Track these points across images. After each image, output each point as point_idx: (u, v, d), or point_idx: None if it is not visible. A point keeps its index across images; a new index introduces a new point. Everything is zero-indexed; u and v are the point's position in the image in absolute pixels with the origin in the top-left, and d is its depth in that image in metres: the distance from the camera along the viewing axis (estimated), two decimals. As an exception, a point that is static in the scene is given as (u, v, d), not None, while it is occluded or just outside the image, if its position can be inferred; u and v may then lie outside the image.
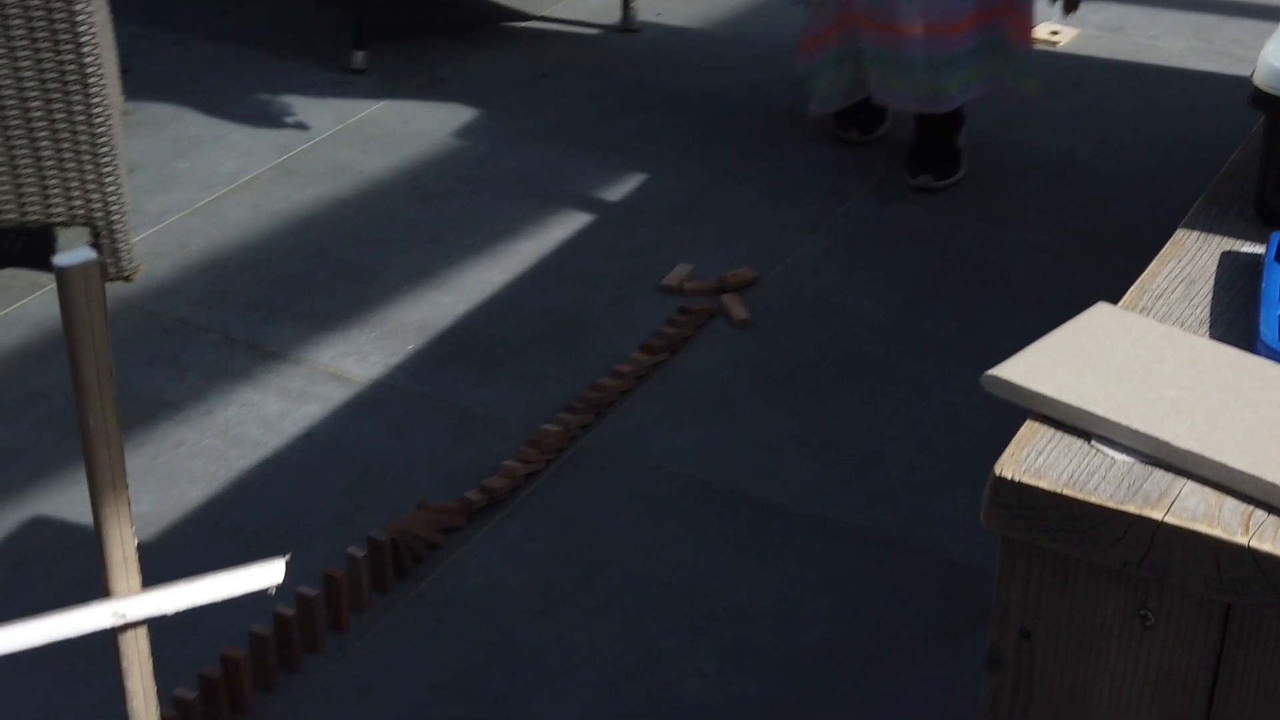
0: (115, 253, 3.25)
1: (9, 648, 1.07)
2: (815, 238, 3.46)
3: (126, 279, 3.28)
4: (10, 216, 3.15)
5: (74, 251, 0.92)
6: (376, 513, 2.66)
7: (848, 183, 3.66)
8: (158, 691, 2.10)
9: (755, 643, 2.42)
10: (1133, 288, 1.31)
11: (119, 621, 1.07)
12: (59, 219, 3.18)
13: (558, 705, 2.31)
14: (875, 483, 2.74)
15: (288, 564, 1.33)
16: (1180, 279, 1.32)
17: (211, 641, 2.36)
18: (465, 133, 3.88)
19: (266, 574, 1.13)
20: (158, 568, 2.11)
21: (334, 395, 2.96)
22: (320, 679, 2.35)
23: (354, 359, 3.06)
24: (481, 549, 2.61)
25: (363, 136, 3.87)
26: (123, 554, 1.05)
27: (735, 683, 2.36)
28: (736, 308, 3.19)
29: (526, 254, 3.39)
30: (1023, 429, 1.13)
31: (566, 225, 3.50)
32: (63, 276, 0.93)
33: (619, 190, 3.65)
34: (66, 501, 2.66)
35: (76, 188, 3.15)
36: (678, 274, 3.29)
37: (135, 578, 1.08)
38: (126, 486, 1.03)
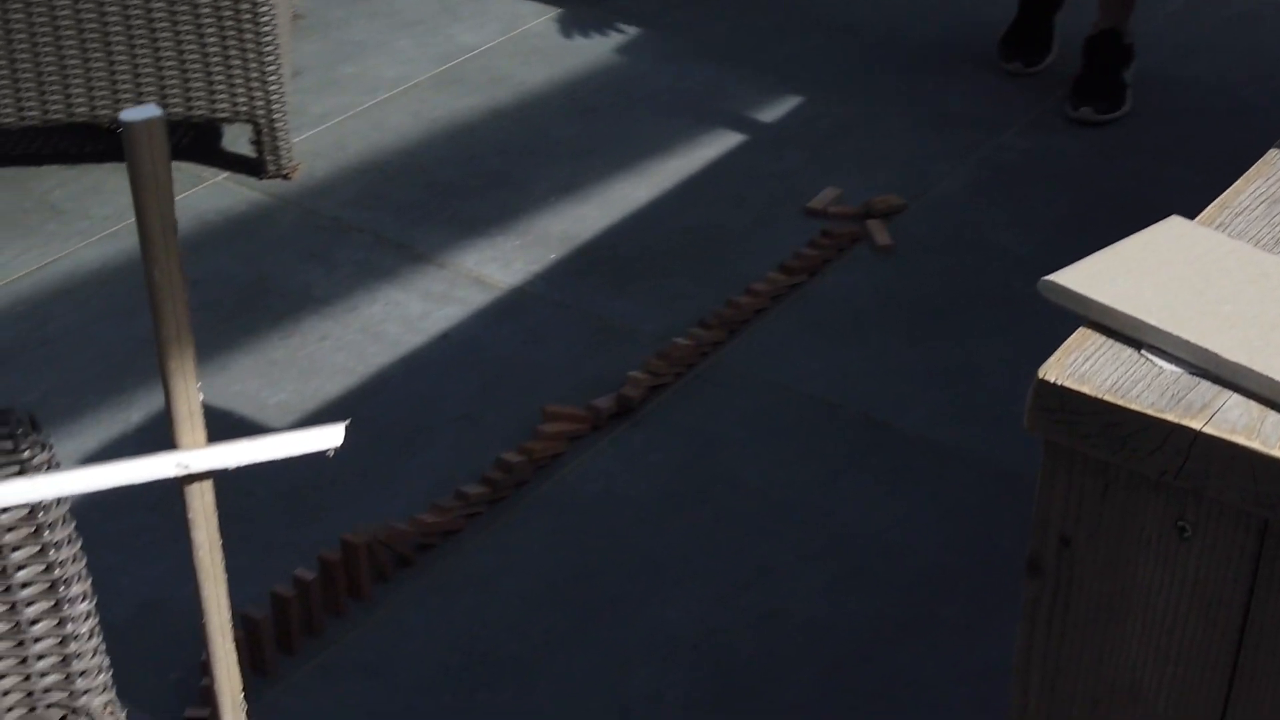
0: (275, 151, 3.34)
1: (82, 489, 1.13)
2: (967, 169, 3.42)
3: (285, 177, 3.37)
4: (177, 111, 3.25)
5: (140, 108, 0.96)
6: (506, 414, 2.72)
7: (1005, 115, 3.61)
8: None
9: (866, 564, 2.43)
10: (1213, 204, 1.29)
11: (182, 472, 1.12)
12: (223, 115, 3.28)
13: (667, 612, 2.35)
14: (1001, 416, 2.72)
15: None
16: (1264, 198, 1.29)
17: (340, 526, 2.45)
18: (625, 49, 3.90)
19: (327, 436, 1.17)
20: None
21: (474, 299, 3.02)
22: (438, 571, 2.42)
23: (497, 265, 3.12)
24: (604, 457, 2.64)
25: (525, 49, 3.91)
26: (188, 407, 1.10)
27: (843, 602, 2.37)
28: (880, 234, 3.17)
29: (673, 171, 3.41)
30: (1073, 335, 1.13)
31: (716, 145, 3.51)
32: (129, 131, 0.97)
33: (772, 112, 3.64)
34: (209, 386, 2.76)
35: (241, 86, 3.24)
36: (823, 197, 3.28)
37: (200, 432, 1.13)
38: (192, 340, 1.08)
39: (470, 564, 2.43)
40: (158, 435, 2.55)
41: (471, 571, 2.42)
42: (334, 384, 2.81)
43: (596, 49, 3.91)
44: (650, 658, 2.28)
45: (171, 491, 2.42)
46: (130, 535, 2.47)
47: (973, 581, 2.39)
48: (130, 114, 0.96)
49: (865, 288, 3.05)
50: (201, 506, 1.14)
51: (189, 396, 1.10)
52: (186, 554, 2.36)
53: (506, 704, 2.21)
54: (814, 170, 3.41)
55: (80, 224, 3.23)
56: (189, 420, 1.09)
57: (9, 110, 3.20)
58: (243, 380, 2.81)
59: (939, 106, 3.65)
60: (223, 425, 2.64)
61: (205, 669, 2.19)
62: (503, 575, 2.42)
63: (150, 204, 1.00)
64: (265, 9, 3.19)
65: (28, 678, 1.45)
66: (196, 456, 1.11)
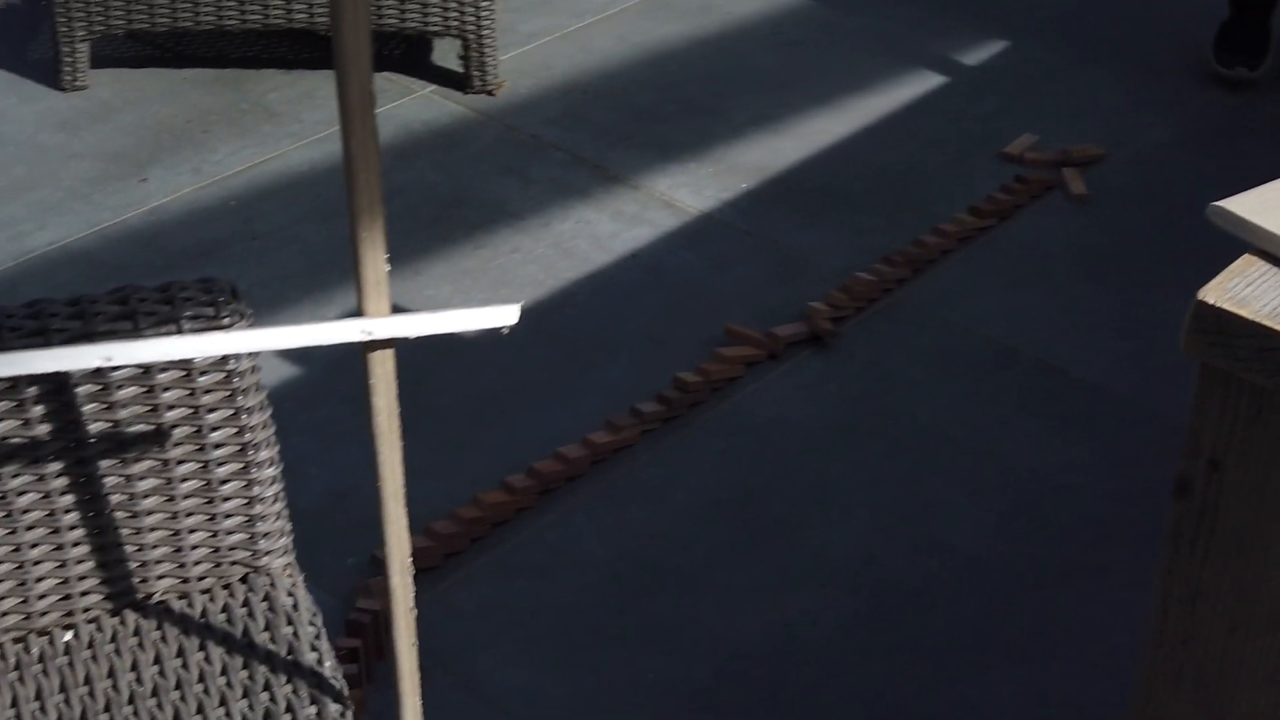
0: (482, 67, 3.42)
1: (273, 346, 1.21)
2: (1171, 122, 3.36)
3: (490, 93, 3.45)
4: (391, 23, 3.35)
5: None
6: (686, 336, 2.77)
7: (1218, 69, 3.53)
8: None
9: (1033, 507, 2.44)
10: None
11: (366, 337, 1.19)
12: (434, 29, 3.37)
13: (830, 537, 2.38)
14: (1183, 370, 2.68)
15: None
16: None
17: (521, 433, 2.53)
18: (834, -15, 3.91)
19: (502, 315, 1.23)
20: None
21: (664, 222, 3.07)
22: (610, 481, 2.48)
23: (689, 190, 3.16)
24: (780, 383, 2.68)
25: (733, -20, 3.93)
26: (375, 277, 1.17)
27: (1007, 541, 2.38)
28: (1076, 183, 3.14)
29: (871, 109, 3.41)
30: (1237, 261, 1.13)
31: (916, 85, 3.50)
32: (336, 4, 1.03)
33: (976, 55, 3.61)
34: (402, 290, 2.86)
35: (453, 1, 3.32)
36: (1021, 143, 3.26)
37: (385, 301, 1.19)
38: (383, 213, 1.14)
39: (642, 477, 2.49)
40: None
41: (642, 484, 2.48)
42: (522, 295, 2.88)
43: (804, -16, 3.92)
44: (811, 581, 2.32)
45: (361, 383, 2.52)
46: (322, 425, 2.58)
47: (1140, 530, 2.38)
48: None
49: (1055, 235, 3.03)
50: (383, 373, 1.21)
51: (376, 266, 1.16)
52: (371, 445, 2.46)
53: (668, 612, 2.27)
54: (1013, 115, 3.38)
55: (292, 127, 3.35)
56: (375, 288, 1.16)
57: (233, 14, 3.33)
58: (435, 286, 2.90)
59: (1148, 57, 3.58)
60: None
61: (376, 561, 2.30)
62: (672, 489, 2.47)
63: (352, 75, 1.06)
64: (480, -73, 3.26)
65: (215, 534, 1.55)
66: (380, 324, 1.18)
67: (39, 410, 1.43)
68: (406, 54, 3.60)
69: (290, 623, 1.53)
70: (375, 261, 1.16)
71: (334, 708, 1.45)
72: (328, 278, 2.90)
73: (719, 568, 2.34)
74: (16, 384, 1.41)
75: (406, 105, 3.42)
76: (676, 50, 3.64)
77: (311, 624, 1.53)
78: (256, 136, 3.32)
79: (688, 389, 2.64)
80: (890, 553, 2.36)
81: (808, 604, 2.28)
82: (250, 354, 1.48)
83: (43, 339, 1.41)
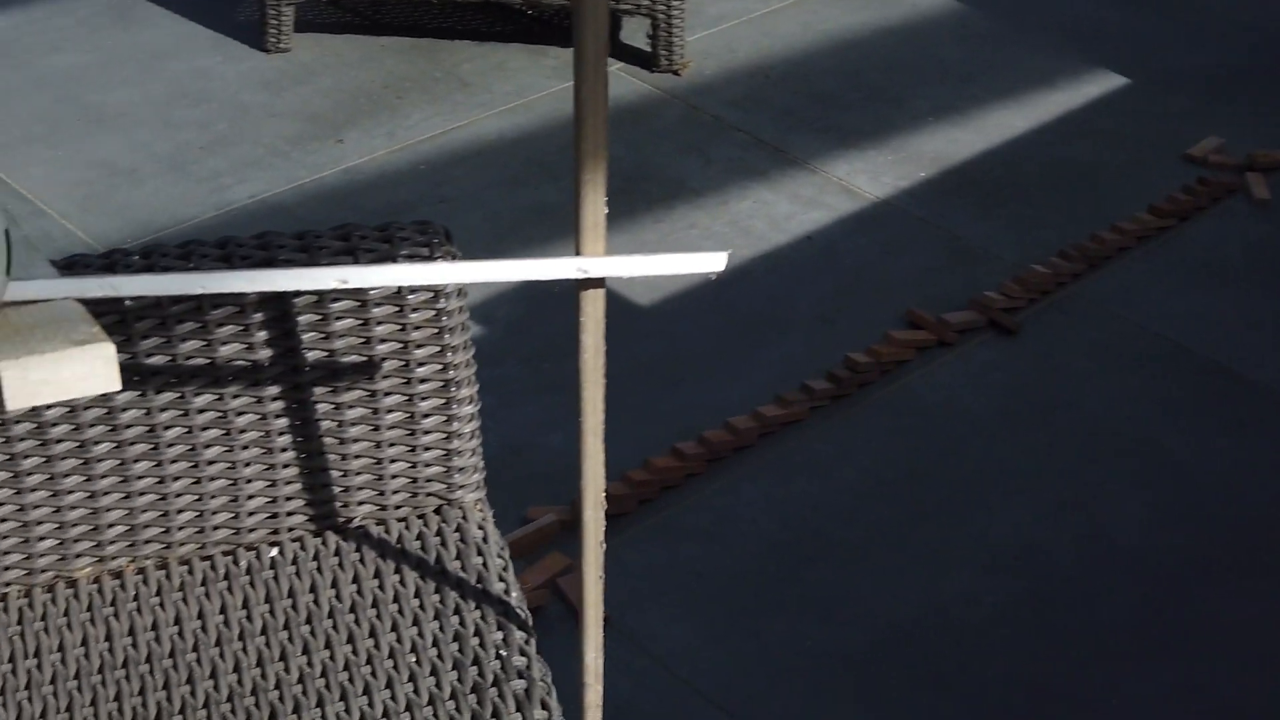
0: (669, 47, 3.49)
1: (495, 278, 1.29)
2: (1360, 132, 3.33)
3: (675, 73, 3.52)
4: (583, 0, 3.43)
5: None
6: (857, 318, 2.82)
7: None
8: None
9: (1196, 503, 2.45)
10: None
11: (581, 275, 1.26)
12: (625, 8, 3.44)
13: (992, 521, 2.42)
14: (1362, 379, 2.67)
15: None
16: None
17: (691, 402, 2.60)
18: (1021, -18, 3.91)
19: (710, 261, 1.30)
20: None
21: (840, 206, 3.11)
22: (777, 454, 2.54)
23: (866, 176, 3.20)
24: (949, 368, 2.71)
25: (920, -27, 3.96)
26: (594, 219, 1.24)
27: (1169, 535, 2.39)
28: (1259, 187, 3.12)
29: (1054, 104, 3.42)
30: None
31: (1102, 83, 3.50)
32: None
33: (1166, 56, 3.60)
34: (585, 256, 2.93)
35: (645, -19, 3.40)
36: (1205, 145, 3.25)
37: (601, 242, 1.26)
38: (606, 158, 1.21)
39: (808, 451, 2.55)
40: (533, 289, 2.75)
41: (809, 458, 2.54)
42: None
43: (991, -21, 3.93)
44: (970, 563, 2.35)
45: (543, 347, 2.61)
46: (501, 383, 2.67)
47: (1305, 534, 2.38)
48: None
49: (1235, 239, 3.02)
50: (593, 312, 1.28)
51: (596, 208, 1.23)
52: (549, 406, 2.55)
53: (828, 583, 2.32)
54: (1198, 118, 3.37)
55: (483, 97, 3.45)
56: (593, 230, 1.23)
57: (432, -16, 3.44)
58: (615, 255, 2.97)
59: (1340, 67, 3.55)
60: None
61: (525, 521, 2.37)
62: (838, 465, 2.52)
63: (587, 27, 1.13)
64: (676, -91, 3.33)
65: (414, 465, 1.64)
66: (596, 263, 1.24)
67: (262, 336, 1.53)
68: (596, 31, 3.67)
69: (480, 554, 1.61)
70: (595, 204, 1.23)
71: (519, 634, 1.53)
72: (511, 243, 3.00)
73: (880, 544, 2.39)
74: (243, 310, 1.51)
75: (593, 81, 3.50)
76: (861, 38, 3.68)
77: (500, 556, 1.61)
78: (448, 105, 3.43)
79: (858, 369, 2.69)
80: (1051, 540, 2.39)
81: (966, 584, 2.31)
82: (459, 294, 1.56)
83: (270, 268, 1.50)
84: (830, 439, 2.57)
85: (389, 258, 1.52)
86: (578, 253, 1.26)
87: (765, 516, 2.43)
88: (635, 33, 3.64)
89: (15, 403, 1.09)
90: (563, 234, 2.99)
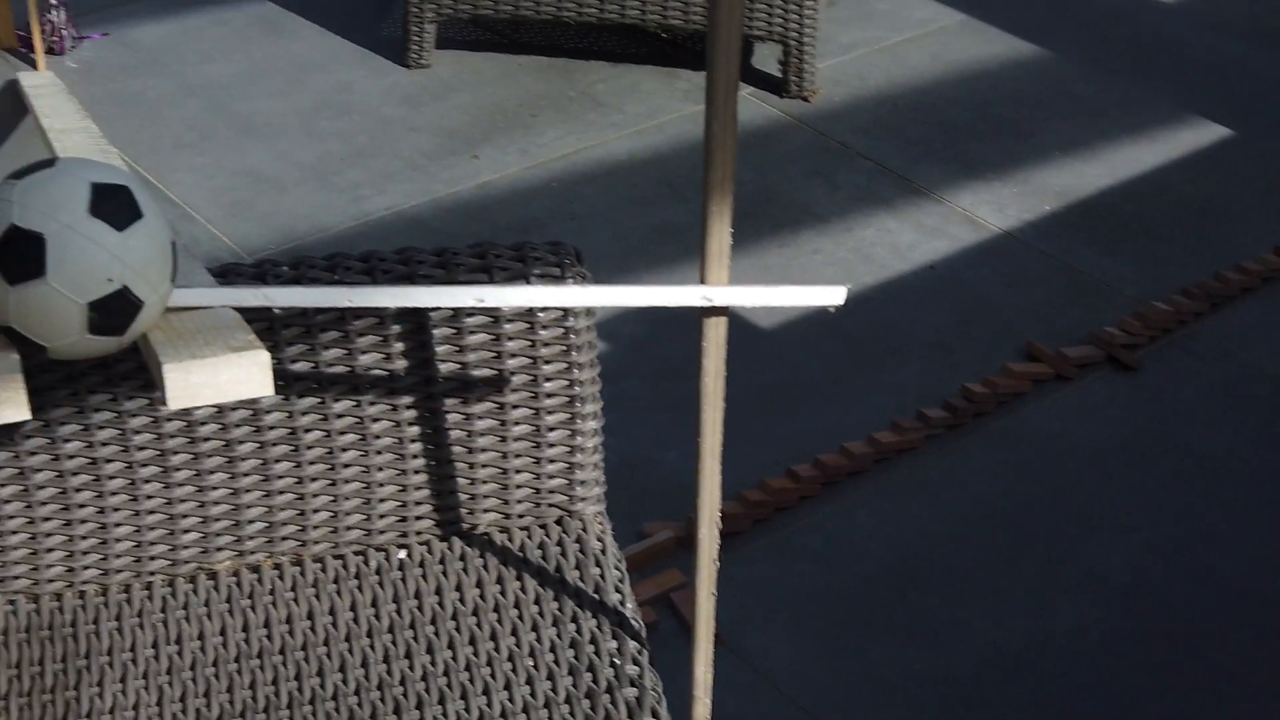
0: (800, 73, 3.54)
1: (619, 303, 1.35)
2: None
3: (805, 99, 3.57)
4: (717, 25, 3.50)
5: None
6: (976, 348, 2.84)
7: None
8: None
9: (1312, 548, 2.45)
10: None
11: (705, 303, 1.32)
12: (757, 34, 3.50)
13: (1103, 555, 2.43)
14: None
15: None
16: None
17: (807, 426, 2.64)
18: (1162, 15, 3.91)
19: (830, 295, 1.35)
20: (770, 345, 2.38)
21: (964, 236, 3.15)
22: (889, 479, 2.58)
23: (991, 208, 3.23)
24: (1067, 402, 2.74)
25: (1055, 4, 3.97)
26: (719, 248, 1.29)
27: (1281, 579, 2.40)
28: (1388, 233, 3.11)
29: (1183, 142, 3.42)
30: None
31: (1231, 122, 3.49)
32: (712, 3, 1.16)
33: (1297, 97, 3.59)
34: (709, 277, 2.99)
35: (779, 8, 3.46)
36: (1335, 188, 3.24)
37: (725, 272, 1.32)
38: (732, 191, 1.27)
39: (921, 477, 2.58)
40: (656, 310, 2.80)
41: (920, 484, 2.57)
42: (820, 294, 2.99)
43: (1130, 11, 3.93)
44: (1079, 595, 2.37)
45: (664, 366, 2.66)
46: (622, 400, 2.73)
47: None
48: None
49: (1363, 283, 3.01)
50: (715, 338, 1.33)
51: (722, 238, 1.29)
52: (667, 424, 2.60)
53: (935, 607, 2.35)
54: (1330, 160, 3.36)
55: (615, 117, 3.53)
56: (718, 259, 1.29)
57: (570, 7, 3.52)
58: (737, 279, 2.99)
59: None
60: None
61: (647, 533, 2.43)
62: (949, 492, 2.55)
63: (720, 64, 1.19)
64: (812, -61, 3.39)
65: (538, 476, 1.70)
66: (719, 292, 1.30)
67: (399, 347, 1.60)
68: (728, 56, 3.74)
69: (598, 564, 1.67)
70: (721, 234, 1.29)
71: (633, 644, 1.59)
72: (638, 261, 3.06)
73: (990, 572, 2.41)
74: (383, 321, 1.59)
75: (724, 105, 3.57)
76: (991, 71, 3.71)
77: (617, 568, 1.68)
78: (581, 124, 3.50)
79: (974, 399, 2.72)
80: (1162, 577, 2.40)
81: (1074, 616, 2.34)
82: (587, 314, 1.63)
83: (410, 282, 1.58)
84: (943, 467, 2.60)
85: (522, 276, 1.59)
86: (702, 281, 1.31)
87: (876, 540, 2.47)
88: (767, 58, 3.70)
89: (176, 403, 1.17)
90: (688, 254, 3.05)
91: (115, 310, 1.24)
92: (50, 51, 3.73)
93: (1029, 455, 2.63)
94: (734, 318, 2.90)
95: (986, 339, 2.88)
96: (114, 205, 1.23)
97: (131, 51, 3.78)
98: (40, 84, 3.32)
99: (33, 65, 3.68)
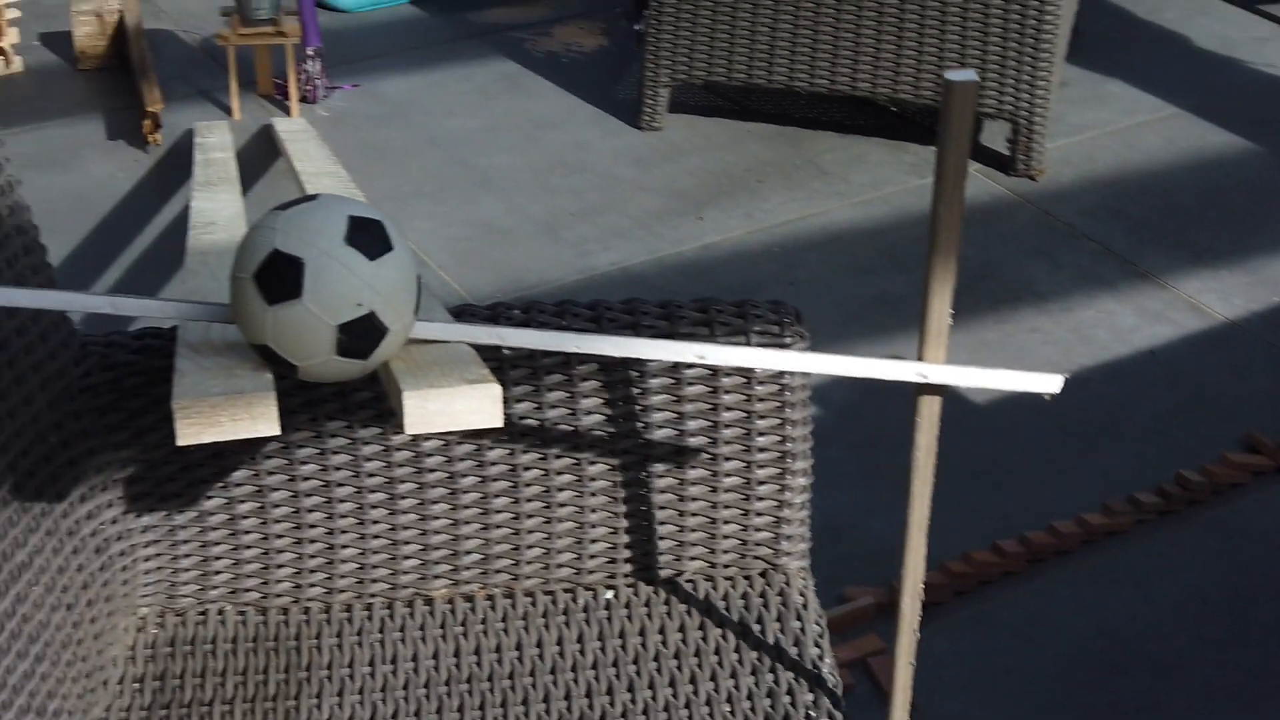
0: (1029, 152, 3.55)
1: (836, 371, 1.39)
2: None
3: (1032, 178, 3.58)
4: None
5: (960, 71, 1.19)
6: (1193, 436, 2.81)
7: None
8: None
9: None
10: None
11: (920, 379, 1.35)
12: (987, 111, 3.52)
13: (1314, 654, 2.38)
14: None
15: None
16: None
17: (1015, 504, 2.64)
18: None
19: (1047, 382, 1.37)
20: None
21: (1187, 323, 3.11)
22: (1097, 562, 2.56)
23: (1217, 296, 3.19)
24: (1285, 495, 2.69)
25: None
26: (938, 327, 1.33)
27: None
28: None
29: None
30: None
31: None
32: (949, 87, 1.20)
33: None
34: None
35: (1010, 87, 3.47)
36: None
37: (942, 350, 1.35)
38: (954, 271, 1.30)
39: (1130, 563, 2.56)
40: (868, 381, 2.83)
41: (1129, 569, 2.55)
42: (1029, 369, 2.98)
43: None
44: (1289, 693, 2.33)
45: (873, 434, 2.69)
46: (828, 465, 2.76)
47: None
48: (952, 75, 1.19)
49: None
50: (928, 414, 1.36)
51: (941, 316, 1.33)
52: (873, 491, 2.62)
53: (1139, 696, 2.33)
54: None
55: (840, 186, 3.57)
56: (936, 337, 1.32)
57: (802, 78, 3.58)
58: (953, 353, 3.01)
59: None
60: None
61: (842, 599, 2.45)
62: (1159, 579, 2.52)
63: (950, 150, 1.23)
64: (1050, 20, 3.40)
65: (745, 529, 1.75)
66: (935, 370, 1.34)
67: (620, 393, 1.67)
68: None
69: (799, 618, 1.71)
70: (941, 313, 1.32)
71: (828, 701, 1.62)
72: (855, 329, 3.10)
73: (1198, 663, 2.38)
74: (605, 368, 1.65)
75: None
76: (1225, 158, 3.66)
77: (817, 624, 1.71)
78: (806, 191, 3.56)
79: (1189, 486, 2.68)
80: (1378, 681, 2.34)
81: (1283, 715, 2.29)
82: (803, 374, 1.67)
83: (634, 332, 1.65)
84: (1154, 553, 2.58)
85: (742, 332, 1.65)
86: (920, 358, 1.35)
87: (1079, 621, 2.45)
88: (996, 135, 3.71)
89: (413, 428, 1.24)
90: (905, 325, 3.07)
91: (362, 333, 1.32)
92: (304, 100, 3.92)
93: (1244, 548, 2.58)
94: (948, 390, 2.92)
95: (1205, 427, 2.84)
96: (367, 236, 1.32)
97: (380, 103, 3.95)
98: (293, 129, 3.50)
99: (287, 112, 3.88)
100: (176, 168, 3.61)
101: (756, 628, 1.70)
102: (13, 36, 4.07)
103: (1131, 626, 2.44)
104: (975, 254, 3.33)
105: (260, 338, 1.33)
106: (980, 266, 3.29)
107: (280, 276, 1.29)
